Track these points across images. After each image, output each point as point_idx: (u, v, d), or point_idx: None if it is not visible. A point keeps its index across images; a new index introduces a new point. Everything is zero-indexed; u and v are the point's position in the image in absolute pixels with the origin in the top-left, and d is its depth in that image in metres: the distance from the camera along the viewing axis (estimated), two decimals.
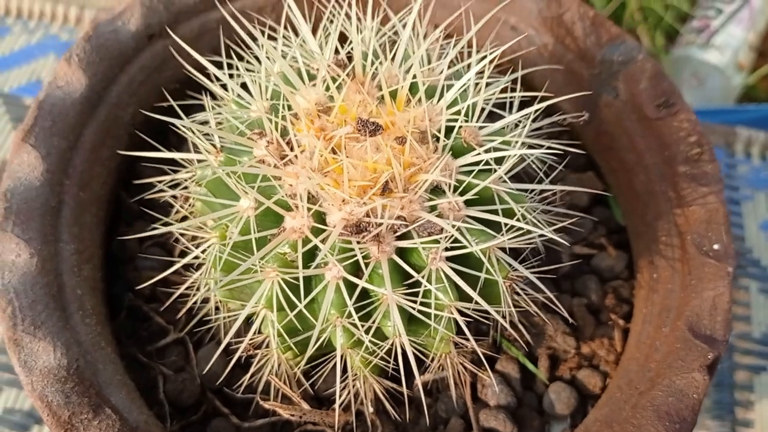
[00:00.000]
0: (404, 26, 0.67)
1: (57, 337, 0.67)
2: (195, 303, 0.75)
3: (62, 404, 0.64)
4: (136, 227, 0.89)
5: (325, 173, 0.61)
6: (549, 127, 0.98)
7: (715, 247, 0.76)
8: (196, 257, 0.67)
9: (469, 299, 0.62)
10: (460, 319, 0.62)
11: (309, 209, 0.60)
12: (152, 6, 0.84)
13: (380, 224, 0.58)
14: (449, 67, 0.68)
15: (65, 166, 0.77)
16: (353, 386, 0.68)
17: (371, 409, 0.70)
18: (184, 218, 0.75)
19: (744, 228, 1.33)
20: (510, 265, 0.64)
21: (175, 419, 0.79)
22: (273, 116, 0.63)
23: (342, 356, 0.64)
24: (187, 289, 0.73)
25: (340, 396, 0.67)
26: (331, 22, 0.68)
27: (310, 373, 0.73)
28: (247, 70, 0.66)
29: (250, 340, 0.64)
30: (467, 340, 0.64)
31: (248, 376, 0.69)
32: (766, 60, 1.97)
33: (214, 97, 0.72)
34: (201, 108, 0.83)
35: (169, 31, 0.83)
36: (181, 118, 0.67)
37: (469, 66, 0.70)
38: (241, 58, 0.72)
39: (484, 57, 0.64)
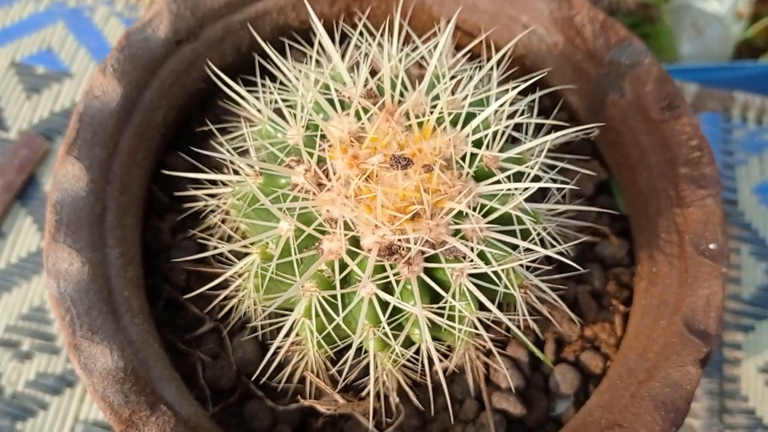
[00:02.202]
0: (430, 52, 0.71)
1: (112, 341, 0.74)
2: (230, 299, 0.81)
3: (123, 404, 0.71)
4: (167, 219, 0.95)
5: (358, 200, 0.66)
6: (558, 119, 1.03)
7: (711, 247, 0.83)
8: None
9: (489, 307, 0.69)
10: (480, 327, 0.69)
11: (345, 234, 0.66)
12: (179, 12, 0.87)
13: (410, 248, 0.65)
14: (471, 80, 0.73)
15: (107, 173, 0.82)
16: (381, 380, 0.75)
17: (396, 399, 0.78)
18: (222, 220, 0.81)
19: (737, 192, 1.39)
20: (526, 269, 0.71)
21: (215, 402, 0.87)
22: (309, 144, 0.68)
23: (373, 356, 0.72)
24: (219, 286, 0.78)
25: (370, 387, 0.74)
26: (357, 47, 0.72)
27: (337, 362, 0.80)
28: (281, 98, 0.70)
29: (289, 341, 0.71)
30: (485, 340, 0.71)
31: (288, 369, 0.76)
32: (766, 7, 1.98)
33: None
34: (228, 112, 0.88)
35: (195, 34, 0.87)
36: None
37: (489, 78, 0.75)
38: (271, 77, 0.76)
39: (506, 91, 0.68)
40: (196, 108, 0.98)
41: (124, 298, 0.79)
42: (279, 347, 0.74)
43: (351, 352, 0.69)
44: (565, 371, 0.90)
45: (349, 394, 0.82)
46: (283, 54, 0.98)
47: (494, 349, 0.72)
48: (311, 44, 1.01)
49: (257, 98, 0.73)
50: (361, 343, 0.71)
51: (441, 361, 0.72)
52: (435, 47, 0.73)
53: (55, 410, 1.15)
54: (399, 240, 0.65)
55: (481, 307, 0.69)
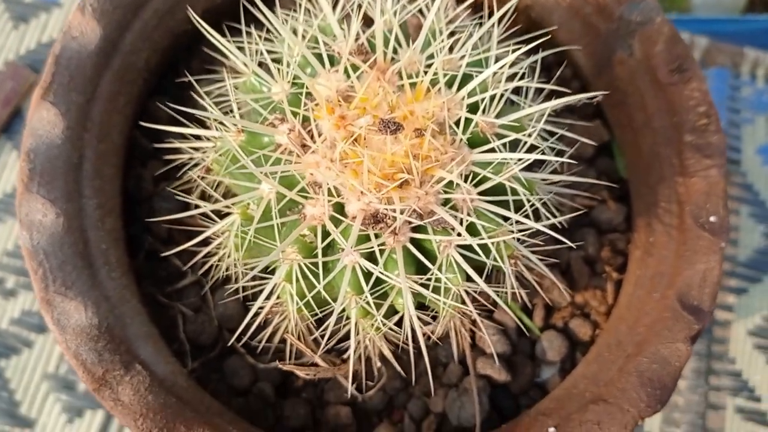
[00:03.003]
0: (428, 5, 0.66)
1: (87, 296, 0.71)
2: (211, 256, 0.78)
3: (96, 362, 0.69)
4: (150, 167, 0.92)
5: (344, 164, 0.63)
6: (562, 76, 0.99)
7: (712, 219, 0.80)
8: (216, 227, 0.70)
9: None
10: (467, 299, 0.67)
11: (329, 200, 0.62)
12: None
13: (396, 218, 0.61)
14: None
15: (84, 119, 0.78)
16: (363, 344, 0.73)
17: (378, 364, 0.76)
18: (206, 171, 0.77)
19: (741, 152, 1.35)
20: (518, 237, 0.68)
21: (194, 357, 0.86)
22: (294, 102, 0.64)
23: (355, 324, 0.70)
24: (202, 242, 0.76)
25: (350, 353, 0.72)
26: None
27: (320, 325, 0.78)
28: (267, 50, 0.66)
29: (270, 303, 0.69)
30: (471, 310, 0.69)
31: (269, 330, 0.74)
32: None
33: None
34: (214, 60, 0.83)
35: None
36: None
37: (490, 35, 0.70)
38: (259, 23, 0.71)
39: (507, 52, 0.64)
40: (182, 50, 0.93)
41: (101, 251, 0.76)
42: (260, 308, 0.72)
43: (332, 319, 0.67)
44: (552, 338, 0.88)
45: (332, 355, 0.81)
46: None
47: (479, 319, 0.69)
48: None
49: (242, 49, 0.68)
50: (343, 309, 0.69)
51: (425, 326, 0.70)
52: None
53: (39, 348, 1.15)
54: (385, 209, 0.62)
55: (468, 278, 0.67)
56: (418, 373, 0.85)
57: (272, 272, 0.70)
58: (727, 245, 0.79)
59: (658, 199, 0.85)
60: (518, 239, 0.69)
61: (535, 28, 0.96)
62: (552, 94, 0.87)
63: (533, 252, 0.71)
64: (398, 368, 0.74)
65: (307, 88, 0.64)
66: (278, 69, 0.65)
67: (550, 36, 0.95)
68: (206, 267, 0.82)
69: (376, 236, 0.63)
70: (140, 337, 0.75)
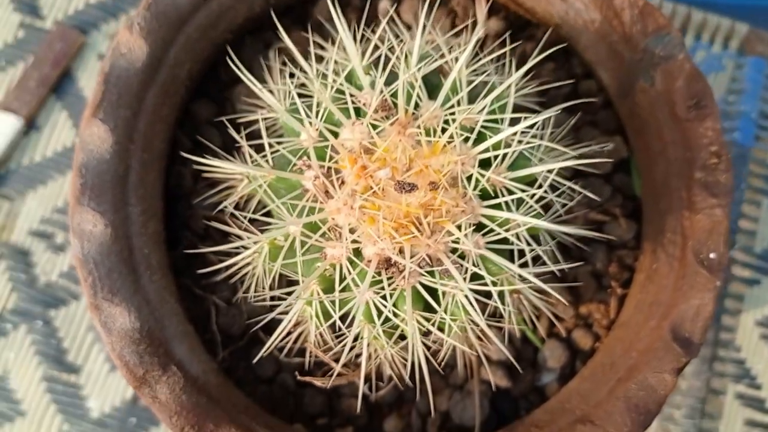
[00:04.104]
0: (456, 58, 0.70)
1: (130, 302, 0.80)
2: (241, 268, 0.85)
3: (137, 363, 0.78)
4: (190, 165, 0.98)
5: (363, 211, 0.69)
6: (586, 87, 1.02)
7: (711, 256, 0.84)
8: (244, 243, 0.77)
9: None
10: (470, 329, 0.74)
11: (348, 243, 0.69)
12: None
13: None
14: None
15: (131, 133, 0.84)
16: (374, 358, 0.81)
17: (389, 371, 0.84)
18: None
19: None
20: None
21: (225, 345, 0.95)
22: (321, 149, 0.70)
23: (367, 344, 0.77)
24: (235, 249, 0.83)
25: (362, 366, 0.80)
26: (377, 47, 0.72)
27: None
28: (298, 93, 0.71)
29: (292, 321, 0.77)
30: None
31: (293, 336, 0.82)
32: None
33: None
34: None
35: None
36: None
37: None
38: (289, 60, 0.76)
39: (526, 113, 0.68)
40: (222, 55, 0.98)
41: (144, 255, 0.84)
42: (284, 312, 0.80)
43: (349, 339, 0.74)
44: (554, 347, 0.95)
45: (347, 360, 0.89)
46: (315, 3, 0.97)
47: (492, 336, 0.75)
48: (340, 1, 0.99)
49: (273, 89, 0.74)
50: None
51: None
52: (462, 50, 0.72)
53: (86, 301, 1.25)
54: (396, 258, 0.68)
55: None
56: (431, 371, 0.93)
57: (295, 282, 0.77)
58: (723, 283, 0.84)
59: (664, 229, 0.89)
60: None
61: (561, 48, 0.99)
62: (576, 109, 0.91)
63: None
64: (406, 377, 0.82)
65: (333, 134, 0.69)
66: (307, 116, 0.70)
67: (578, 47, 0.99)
68: (238, 268, 0.90)
69: (389, 279, 0.70)
70: (176, 336, 0.83)
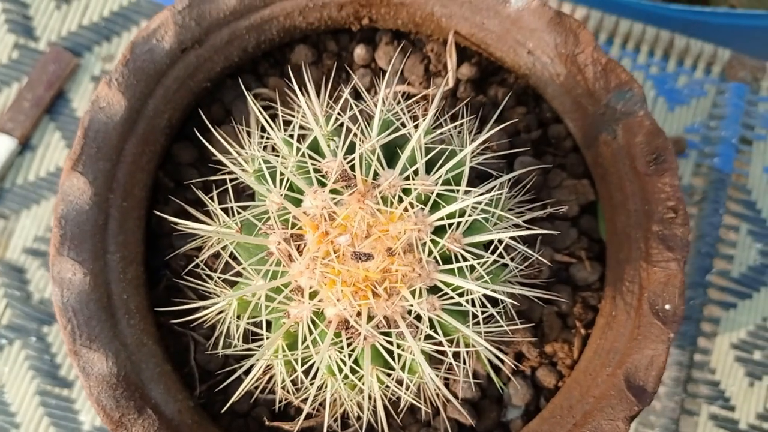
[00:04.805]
0: (417, 125, 0.74)
1: (108, 348, 0.84)
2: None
3: (114, 407, 0.83)
4: (171, 205, 1.02)
5: (323, 275, 0.73)
6: (555, 131, 1.05)
7: (666, 307, 0.88)
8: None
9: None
10: (431, 378, 0.78)
11: (310, 303, 0.73)
12: (184, 24, 0.89)
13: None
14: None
15: (110, 183, 0.88)
16: (340, 405, 0.86)
17: (356, 413, 0.88)
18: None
19: (749, 169, 1.39)
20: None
21: (202, 381, 0.99)
22: (284, 214, 0.74)
23: (332, 393, 0.81)
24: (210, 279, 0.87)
25: (331, 410, 0.85)
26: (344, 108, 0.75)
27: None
28: (264, 160, 0.75)
29: (261, 374, 0.81)
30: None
31: (265, 381, 0.87)
32: None
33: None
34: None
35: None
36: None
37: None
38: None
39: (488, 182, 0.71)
40: (202, 99, 1.01)
41: (123, 300, 0.88)
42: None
43: (312, 390, 0.78)
44: (518, 386, 0.99)
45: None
46: (292, 49, 1.00)
47: (447, 395, 0.80)
48: (316, 46, 1.02)
49: (243, 152, 0.77)
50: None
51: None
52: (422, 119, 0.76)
53: None
54: (354, 321, 0.72)
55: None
56: (397, 409, 0.98)
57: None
58: (675, 336, 0.88)
59: (623, 277, 0.93)
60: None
61: (531, 90, 1.02)
62: (545, 152, 0.94)
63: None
64: (372, 420, 0.86)
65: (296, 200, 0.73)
66: (272, 181, 0.74)
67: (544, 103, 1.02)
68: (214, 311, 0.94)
69: (349, 337, 0.74)
70: (153, 379, 0.88)
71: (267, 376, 0.87)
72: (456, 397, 0.99)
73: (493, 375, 0.92)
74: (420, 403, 0.82)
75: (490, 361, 0.94)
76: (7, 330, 1.30)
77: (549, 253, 1.02)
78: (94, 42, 1.39)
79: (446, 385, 0.99)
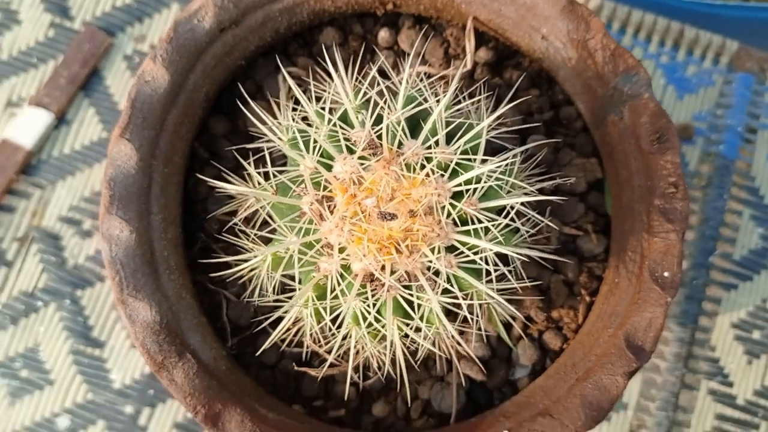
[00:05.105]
0: (438, 100, 0.81)
1: (152, 298, 0.92)
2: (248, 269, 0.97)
3: (157, 351, 0.91)
4: (206, 172, 1.10)
5: (351, 233, 0.80)
6: (567, 113, 1.12)
7: (665, 275, 0.95)
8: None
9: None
10: (446, 330, 0.86)
11: (338, 259, 0.81)
12: (223, 5, 0.97)
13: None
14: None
15: (153, 150, 0.96)
16: (363, 354, 0.93)
17: (375, 364, 0.96)
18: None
19: (754, 157, 1.45)
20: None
21: (234, 335, 1.07)
22: (317, 177, 0.82)
23: (355, 343, 0.89)
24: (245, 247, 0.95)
25: (354, 359, 0.93)
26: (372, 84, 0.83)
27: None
28: (299, 129, 0.82)
29: (290, 325, 0.89)
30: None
31: (292, 331, 0.95)
32: None
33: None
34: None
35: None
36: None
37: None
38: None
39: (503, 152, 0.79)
40: (238, 76, 1.09)
41: (164, 257, 0.96)
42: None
43: (338, 339, 0.87)
44: (526, 346, 1.07)
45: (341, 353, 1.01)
46: (320, 30, 1.08)
47: (461, 342, 0.87)
48: (343, 29, 1.10)
49: (277, 123, 0.85)
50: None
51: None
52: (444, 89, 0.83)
53: (110, 283, 1.37)
54: (382, 269, 0.80)
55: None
56: (411, 366, 1.05)
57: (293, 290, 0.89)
58: (672, 300, 0.95)
59: (627, 247, 1.00)
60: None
61: (545, 74, 1.09)
62: (557, 132, 1.02)
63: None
64: (390, 370, 0.94)
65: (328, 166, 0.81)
66: (306, 147, 0.82)
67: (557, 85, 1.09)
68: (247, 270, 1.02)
69: (372, 290, 0.82)
70: (191, 328, 0.96)
71: (295, 329, 0.95)
72: (468, 355, 1.07)
73: (503, 334, 1.00)
74: (437, 352, 0.89)
75: (499, 325, 1.02)
76: (43, 293, 1.37)
77: (558, 226, 1.09)
78: (127, 23, 1.45)
79: (459, 344, 1.06)
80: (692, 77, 1.47)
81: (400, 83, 0.84)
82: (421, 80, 0.88)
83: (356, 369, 1.01)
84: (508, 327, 1.08)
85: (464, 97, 0.87)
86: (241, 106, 0.95)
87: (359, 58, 1.02)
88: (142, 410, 1.32)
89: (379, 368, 1.00)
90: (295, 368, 0.97)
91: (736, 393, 1.39)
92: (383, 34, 1.10)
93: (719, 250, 1.42)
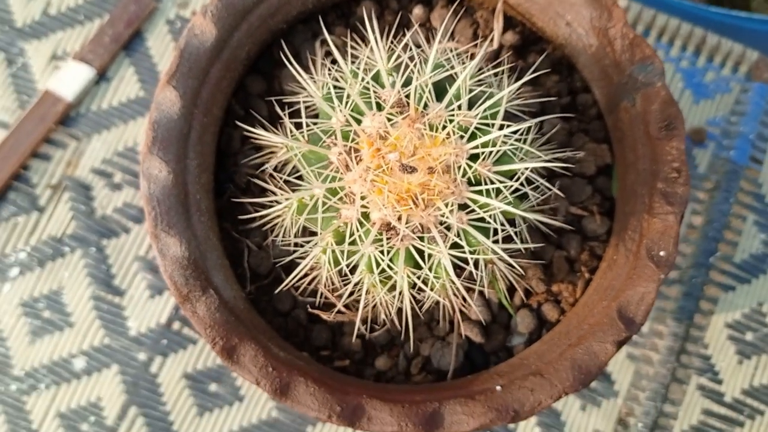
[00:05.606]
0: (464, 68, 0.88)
1: (182, 235, 1.00)
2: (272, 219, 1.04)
3: (183, 284, 0.98)
4: (239, 128, 1.18)
5: (373, 183, 0.87)
6: (583, 100, 1.18)
7: (661, 254, 1.01)
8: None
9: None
10: (453, 284, 0.92)
11: (359, 207, 0.88)
12: None
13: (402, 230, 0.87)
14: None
15: (196, 99, 1.03)
16: (372, 302, 1.00)
17: (383, 314, 1.03)
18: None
19: (762, 164, 1.50)
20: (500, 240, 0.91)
21: (252, 281, 1.14)
22: (345, 131, 0.89)
23: (367, 289, 0.96)
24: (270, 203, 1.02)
25: (363, 307, 0.99)
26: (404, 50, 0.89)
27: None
28: (334, 86, 0.89)
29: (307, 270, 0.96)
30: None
31: (308, 279, 1.02)
32: None
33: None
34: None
35: None
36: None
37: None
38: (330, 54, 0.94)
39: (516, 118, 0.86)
40: (277, 39, 1.17)
41: (196, 200, 1.04)
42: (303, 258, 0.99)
43: (350, 286, 0.94)
44: (525, 315, 1.13)
45: (351, 303, 1.08)
46: (358, 3, 1.15)
47: (466, 296, 0.94)
48: (379, 3, 1.17)
49: (314, 78, 0.92)
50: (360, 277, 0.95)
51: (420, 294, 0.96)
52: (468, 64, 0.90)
53: (135, 234, 1.43)
54: (398, 219, 0.87)
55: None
56: (415, 324, 1.13)
57: (315, 234, 0.96)
58: (666, 277, 1.01)
59: (627, 227, 1.06)
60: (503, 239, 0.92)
61: (566, 61, 1.16)
62: (573, 118, 1.08)
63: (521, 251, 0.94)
64: (397, 324, 1.00)
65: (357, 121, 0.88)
66: (338, 102, 0.89)
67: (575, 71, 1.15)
68: (270, 219, 1.09)
69: (388, 239, 0.88)
70: (215, 267, 1.03)
71: (310, 277, 1.02)
72: (470, 317, 1.14)
73: (504, 300, 1.07)
74: (441, 307, 0.96)
75: (502, 291, 1.08)
76: (71, 239, 1.43)
77: (565, 205, 1.15)
78: None
79: (464, 300, 1.13)
80: (710, 83, 1.52)
81: (425, 60, 0.91)
82: (451, 52, 0.95)
83: (364, 321, 1.08)
84: (510, 295, 1.14)
85: (488, 71, 0.93)
86: (281, 65, 1.01)
87: (393, 30, 1.09)
88: (155, 358, 1.38)
89: (385, 323, 1.07)
90: (310, 310, 1.04)
91: (725, 390, 1.44)
92: (417, 11, 1.16)
93: (720, 252, 1.47)
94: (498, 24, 1.10)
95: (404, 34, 1.13)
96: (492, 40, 1.10)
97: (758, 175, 1.51)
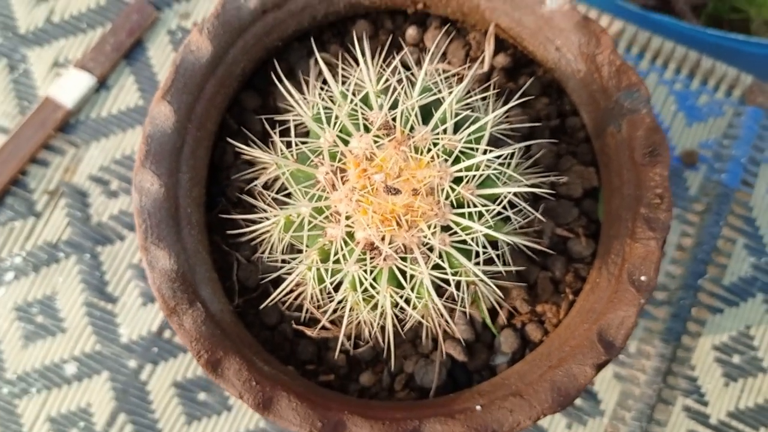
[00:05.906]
0: (450, 92, 0.90)
1: (172, 248, 1.01)
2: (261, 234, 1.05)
3: (171, 297, 1.00)
4: (233, 144, 1.19)
5: (359, 204, 0.89)
6: (571, 123, 1.20)
7: (642, 278, 1.03)
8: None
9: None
10: (435, 304, 0.94)
11: (344, 226, 0.90)
12: None
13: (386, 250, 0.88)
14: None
15: (190, 114, 1.05)
16: (356, 319, 1.02)
17: (368, 331, 1.04)
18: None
19: (753, 188, 1.50)
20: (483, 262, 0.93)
21: (240, 295, 1.16)
22: (332, 151, 0.90)
23: (351, 307, 0.98)
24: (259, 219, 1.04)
25: (347, 324, 1.01)
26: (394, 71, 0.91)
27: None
28: (324, 107, 0.91)
29: (293, 286, 0.98)
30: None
31: (294, 294, 1.03)
32: None
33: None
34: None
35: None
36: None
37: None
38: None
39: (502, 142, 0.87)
40: (272, 56, 1.19)
41: (187, 214, 1.05)
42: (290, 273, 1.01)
43: (332, 304, 0.95)
44: (509, 335, 1.15)
45: (336, 320, 1.10)
46: (354, 22, 1.17)
47: (447, 316, 0.95)
48: (374, 23, 1.19)
49: (305, 98, 0.94)
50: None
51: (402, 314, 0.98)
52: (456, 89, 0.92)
53: (129, 242, 1.45)
54: (382, 239, 0.88)
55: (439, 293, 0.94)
56: (399, 341, 1.14)
57: (301, 251, 0.98)
58: (646, 302, 1.02)
59: (611, 250, 1.08)
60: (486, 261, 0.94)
61: (556, 84, 1.18)
62: (561, 140, 1.10)
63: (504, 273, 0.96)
64: (380, 340, 1.02)
65: (345, 142, 0.90)
66: (327, 123, 0.91)
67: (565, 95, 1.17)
68: (259, 234, 1.11)
69: (371, 259, 0.90)
70: (203, 281, 1.05)
71: (296, 292, 1.04)
72: (453, 335, 1.15)
73: (486, 319, 1.08)
74: (425, 326, 0.98)
75: (486, 312, 1.10)
76: (66, 245, 1.45)
77: (551, 226, 1.17)
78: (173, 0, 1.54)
79: (446, 321, 1.14)
80: (703, 106, 1.53)
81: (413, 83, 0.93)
82: (439, 75, 0.97)
83: (348, 337, 1.10)
84: (494, 315, 1.16)
85: (476, 93, 0.95)
86: (276, 82, 1.04)
87: (385, 50, 1.11)
88: (145, 366, 1.39)
89: (369, 340, 1.08)
90: (294, 326, 1.05)
91: (710, 412, 1.45)
92: (411, 32, 1.18)
93: (709, 274, 1.48)
94: (489, 47, 1.12)
95: (397, 54, 1.15)
96: (483, 61, 1.12)
97: (749, 198, 1.52)
